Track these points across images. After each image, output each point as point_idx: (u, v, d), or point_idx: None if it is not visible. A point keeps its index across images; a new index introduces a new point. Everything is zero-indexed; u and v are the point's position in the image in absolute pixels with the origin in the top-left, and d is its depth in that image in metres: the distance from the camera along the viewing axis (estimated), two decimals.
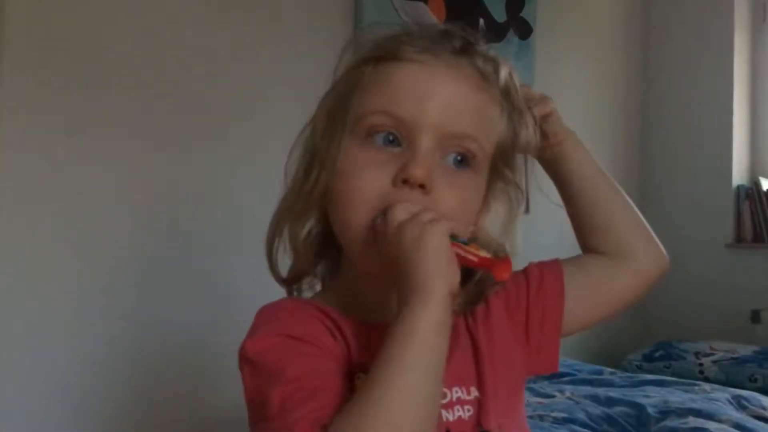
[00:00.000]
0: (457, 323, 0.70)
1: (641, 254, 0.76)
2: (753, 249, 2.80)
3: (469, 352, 0.69)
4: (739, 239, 2.83)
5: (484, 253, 0.60)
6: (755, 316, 2.74)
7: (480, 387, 0.68)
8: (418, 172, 0.61)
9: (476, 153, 0.65)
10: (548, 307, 0.73)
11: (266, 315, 0.66)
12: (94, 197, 1.64)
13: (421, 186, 0.61)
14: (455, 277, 0.59)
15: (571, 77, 2.74)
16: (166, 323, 1.73)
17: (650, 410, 1.80)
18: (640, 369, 2.50)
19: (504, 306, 0.73)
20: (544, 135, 0.74)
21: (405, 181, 0.61)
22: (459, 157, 0.64)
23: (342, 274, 0.70)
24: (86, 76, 1.63)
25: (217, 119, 1.84)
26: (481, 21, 2.38)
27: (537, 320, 0.73)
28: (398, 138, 0.63)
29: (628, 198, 0.79)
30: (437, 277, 0.57)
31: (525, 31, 2.50)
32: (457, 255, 0.60)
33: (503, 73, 0.67)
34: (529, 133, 0.70)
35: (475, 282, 0.69)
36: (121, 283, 1.67)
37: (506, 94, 0.68)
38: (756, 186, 2.81)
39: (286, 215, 0.69)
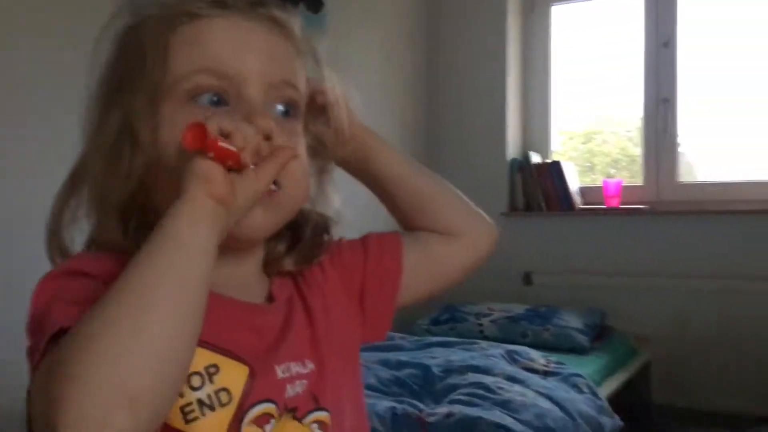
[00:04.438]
0: (292, 295, 0.68)
1: (472, 231, 0.78)
2: (525, 217, 3.08)
3: (304, 322, 0.66)
4: (513, 208, 3.10)
5: None
6: (527, 278, 3.04)
7: (315, 359, 0.65)
8: (263, 122, 0.56)
9: (298, 101, 0.64)
10: (386, 279, 0.72)
11: None
12: None
13: (267, 137, 0.56)
14: None
15: (361, 56, 2.80)
16: None
17: (435, 370, 1.92)
18: (428, 332, 2.63)
19: (339, 274, 0.72)
20: (334, 130, 0.70)
21: None
22: (284, 107, 0.62)
23: None
24: None
25: None
26: None
27: (374, 290, 0.72)
28: (224, 97, 0.59)
29: (445, 181, 0.79)
30: None
31: (316, 4, 2.50)
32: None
33: (296, 25, 0.66)
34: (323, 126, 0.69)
35: (308, 241, 0.68)
36: None
37: (304, 45, 0.66)
38: (527, 159, 3.09)
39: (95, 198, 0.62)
